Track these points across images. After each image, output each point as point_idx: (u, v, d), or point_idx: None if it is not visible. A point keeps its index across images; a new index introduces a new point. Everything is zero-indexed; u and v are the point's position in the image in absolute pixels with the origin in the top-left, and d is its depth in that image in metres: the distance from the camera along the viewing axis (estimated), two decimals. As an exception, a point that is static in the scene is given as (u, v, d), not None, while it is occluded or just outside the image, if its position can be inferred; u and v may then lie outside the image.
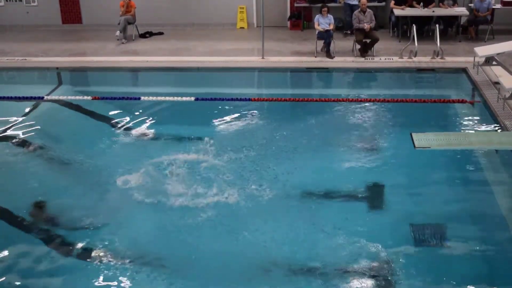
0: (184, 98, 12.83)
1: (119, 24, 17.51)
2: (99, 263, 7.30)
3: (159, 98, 12.97)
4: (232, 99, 12.82)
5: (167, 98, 12.95)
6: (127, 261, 7.32)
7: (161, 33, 18.52)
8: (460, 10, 16.86)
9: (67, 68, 15.63)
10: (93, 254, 7.49)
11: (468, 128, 11.41)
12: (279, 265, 7.23)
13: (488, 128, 11.09)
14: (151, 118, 11.85)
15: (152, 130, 11.35)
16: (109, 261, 7.33)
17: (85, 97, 13.17)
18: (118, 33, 17.53)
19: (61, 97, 13.29)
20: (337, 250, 7.44)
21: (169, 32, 18.55)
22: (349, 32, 17.09)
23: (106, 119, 12.01)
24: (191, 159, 10.05)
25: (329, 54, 15.26)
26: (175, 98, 12.88)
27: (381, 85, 14.67)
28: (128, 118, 11.86)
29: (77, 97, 13.24)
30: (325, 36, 15.22)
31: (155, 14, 19.09)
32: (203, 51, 16.34)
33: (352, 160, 10.03)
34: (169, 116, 12.16)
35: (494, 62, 13.03)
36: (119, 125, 11.58)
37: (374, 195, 8.92)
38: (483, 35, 16.69)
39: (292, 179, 9.28)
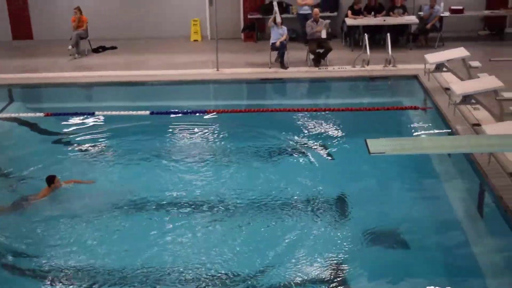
0: (139, 112, 12.74)
1: (71, 39, 17.31)
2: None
3: (114, 112, 12.84)
4: (187, 112, 12.79)
5: (122, 113, 12.83)
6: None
7: (114, 48, 18.37)
8: (410, 19, 17.18)
9: (19, 84, 15.35)
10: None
11: (421, 133, 11.62)
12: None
13: (440, 133, 11.30)
14: (105, 133, 11.73)
15: (107, 145, 11.23)
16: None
17: (38, 114, 12.95)
18: (70, 48, 17.32)
19: (12, 115, 13.05)
20: (294, 258, 7.47)
21: (122, 46, 18.42)
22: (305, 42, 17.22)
23: (59, 136, 11.84)
24: (147, 173, 10.01)
25: (283, 65, 15.36)
26: (130, 113, 12.77)
27: (336, 94, 14.84)
28: (81, 134, 11.72)
29: (29, 114, 12.99)
30: (279, 47, 15.32)
31: (107, 28, 18.95)
32: (157, 64, 16.27)
33: (308, 167, 10.10)
34: (124, 130, 12.03)
35: (444, 69, 13.30)
36: (72, 141, 11.43)
37: (331, 203, 8.97)
38: (433, 43, 17.03)
39: (249, 188, 9.30)
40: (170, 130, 11.92)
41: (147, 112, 12.72)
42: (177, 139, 11.53)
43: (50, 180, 9.15)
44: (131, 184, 9.54)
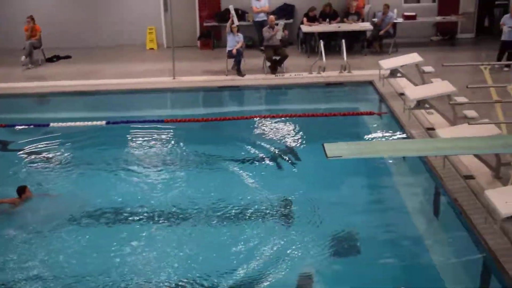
0: (95, 123, 12.58)
1: (24, 49, 17.04)
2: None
3: (69, 123, 12.64)
4: (144, 121, 12.70)
5: (77, 123, 12.65)
6: None
7: (68, 57, 18.15)
8: (364, 25, 17.41)
9: (-29, 96, 15.03)
10: None
11: (377, 138, 11.76)
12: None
13: (396, 137, 11.46)
14: (60, 145, 11.54)
15: (62, 156, 11.06)
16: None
17: (-9, 125, 12.69)
18: (23, 58, 17.04)
19: (-36, 126, 12.77)
20: (253, 265, 7.47)
21: (77, 55, 18.19)
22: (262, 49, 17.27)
23: (14, 147, 11.62)
24: (103, 183, 9.91)
25: (240, 72, 15.39)
26: (86, 123, 12.61)
27: (293, 101, 14.91)
28: (36, 145, 11.51)
29: (-18, 126, 12.73)
30: (235, 55, 15.34)
31: (61, 37, 18.70)
32: (113, 73, 16.12)
33: (266, 174, 10.13)
34: (79, 141, 11.85)
35: (398, 74, 13.51)
36: (27, 153, 11.22)
37: (289, 208, 9.00)
38: (387, 49, 17.29)
39: (207, 196, 9.29)
40: (127, 139, 11.82)
41: (103, 122, 12.57)
42: (134, 149, 11.43)
43: (21, 190, 8.97)
44: (88, 194, 9.42)
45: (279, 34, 15.45)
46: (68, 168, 10.60)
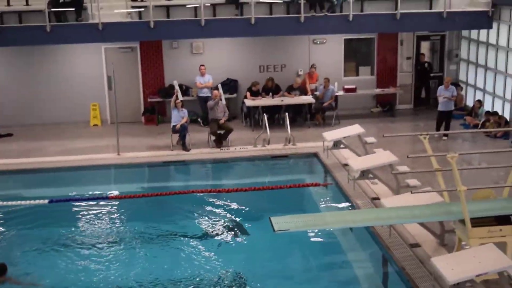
0: (37, 201, 12.29)
1: (-37, 127, 16.71)
2: None
3: (9, 202, 12.29)
4: (88, 199, 12.48)
5: (19, 202, 12.32)
6: None
7: (10, 135, 17.81)
8: (307, 98, 17.77)
9: None
10: None
11: (323, 209, 11.83)
12: None
13: (342, 208, 11.56)
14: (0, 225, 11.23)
15: (2, 236, 10.73)
16: None
17: None
18: (-38, 137, 16.67)
19: None
20: None
21: (18, 133, 17.88)
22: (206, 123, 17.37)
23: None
24: (44, 262, 9.62)
25: (185, 147, 15.39)
26: (27, 202, 12.30)
27: (238, 174, 14.94)
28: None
29: None
30: (180, 130, 15.37)
31: (2, 115, 18.40)
32: (56, 150, 15.87)
33: (213, 249, 10.04)
34: (20, 221, 11.53)
35: (342, 145, 13.74)
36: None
37: (238, 282, 8.89)
38: (329, 121, 17.64)
39: (150, 272, 9.13)
40: (70, 218, 11.59)
41: (46, 201, 12.30)
42: (77, 227, 11.21)
43: (3, 269, 8.80)
44: (29, 273, 9.12)
45: (222, 121, 15.57)
46: (8, 247, 10.27)
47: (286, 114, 15.97)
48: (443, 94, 15.68)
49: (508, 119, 15.91)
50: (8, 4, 16.68)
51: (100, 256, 9.84)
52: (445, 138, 15.47)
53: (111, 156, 15.16)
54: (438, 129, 15.65)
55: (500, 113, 16.31)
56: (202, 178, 14.77)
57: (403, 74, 19.48)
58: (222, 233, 10.68)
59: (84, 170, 14.60)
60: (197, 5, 16.65)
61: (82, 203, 12.26)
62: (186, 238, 10.50)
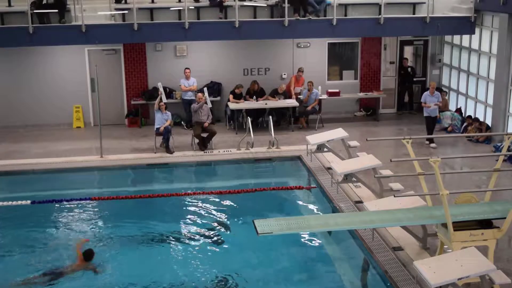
0: (19, 202, 12.21)
1: None
2: None
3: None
4: (71, 200, 12.42)
5: (0, 203, 12.25)
6: None
7: (-9, 137, 17.68)
8: (290, 102, 17.81)
9: None
10: None
11: (306, 212, 11.86)
12: None
13: (325, 211, 11.59)
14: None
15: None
16: None
17: None
18: None
19: None
20: None
21: (0, 135, 17.74)
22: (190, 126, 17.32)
23: None
24: (27, 264, 9.55)
25: (168, 150, 15.35)
26: (9, 203, 12.21)
27: (222, 177, 14.93)
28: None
29: None
30: (164, 132, 15.33)
31: (-16, 117, 18.26)
32: (39, 152, 15.76)
33: (197, 251, 10.02)
34: (3, 222, 11.47)
35: (325, 149, 13.79)
36: None
37: (223, 284, 8.89)
38: (313, 124, 17.69)
39: (136, 275, 9.08)
40: (53, 219, 11.51)
41: (28, 202, 12.22)
42: (60, 228, 11.13)
43: (91, 255, 9.26)
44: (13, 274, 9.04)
45: (205, 124, 15.52)
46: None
47: (270, 117, 15.99)
48: (431, 102, 15.49)
49: (489, 125, 16.03)
50: (-10, 5, 16.57)
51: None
52: (433, 145, 15.40)
53: (94, 158, 15.09)
54: (430, 134, 15.47)
55: (482, 118, 16.44)
56: (186, 180, 14.72)
57: (387, 78, 19.61)
58: (204, 236, 10.66)
59: (67, 172, 14.51)
60: (181, 8, 16.67)
61: (64, 204, 12.19)
62: (169, 241, 10.47)
